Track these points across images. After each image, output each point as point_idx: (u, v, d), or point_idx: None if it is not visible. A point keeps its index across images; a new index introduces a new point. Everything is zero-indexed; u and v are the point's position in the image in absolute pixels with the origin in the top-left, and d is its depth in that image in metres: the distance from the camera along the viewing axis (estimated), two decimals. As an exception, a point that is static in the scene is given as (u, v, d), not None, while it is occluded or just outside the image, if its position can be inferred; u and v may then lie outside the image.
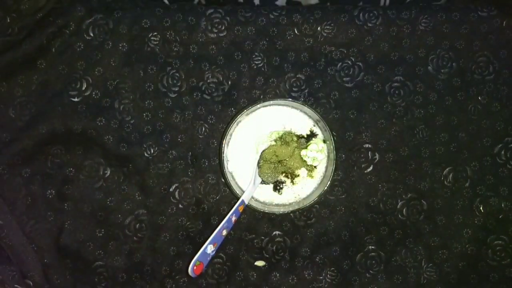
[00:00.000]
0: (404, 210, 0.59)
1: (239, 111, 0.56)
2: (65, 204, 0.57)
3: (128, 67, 0.58)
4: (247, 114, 0.57)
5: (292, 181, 0.58)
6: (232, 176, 0.58)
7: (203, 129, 0.59)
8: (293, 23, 0.58)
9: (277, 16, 0.58)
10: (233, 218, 0.55)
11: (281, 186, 0.57)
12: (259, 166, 0.57)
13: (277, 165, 0.57)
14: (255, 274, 0.58)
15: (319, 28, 0.58)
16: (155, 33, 0.58)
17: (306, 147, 0.58)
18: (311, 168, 0.58)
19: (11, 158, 0.56)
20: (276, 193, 0.58)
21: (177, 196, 0.58)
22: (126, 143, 0.58)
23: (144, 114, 0.58)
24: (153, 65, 0.58)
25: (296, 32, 0.58)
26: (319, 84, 0.59)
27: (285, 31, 0.58)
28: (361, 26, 0.58)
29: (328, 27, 0.58)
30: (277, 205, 0.58)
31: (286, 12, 0.58)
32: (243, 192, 0.56)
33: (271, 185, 0.58)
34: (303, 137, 0.58)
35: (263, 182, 0.57)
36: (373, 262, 0.59)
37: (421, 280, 0.59)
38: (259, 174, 0.57)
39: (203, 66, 0.59)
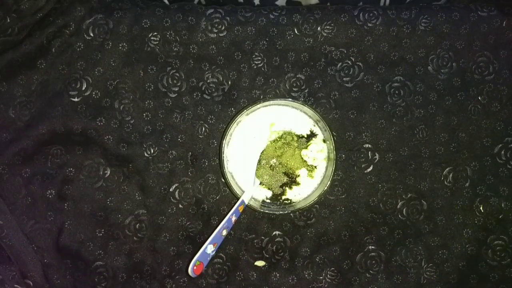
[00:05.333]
0: (404, 210, 0.59)
1: (239, 111, 0.56)
2: (65, 204, 0.57)
3: (128, 67, 0.58)
4: (247, 114, 0.57)
5: (290, 187, 0.58)
6: (232, 176, 0.58)
7: (203, 129, 0.59)
8: (293, 23, 0.58)
9: (277, 16, 0.58)
10: (233, 218, 0.55)
11: (281, 200, 0.57)
12: (256, 169, 0.57)
13: (277, 167, 0.57)
14: (255, 274, 0.58)
15: (319, 28, 0.58)
16: (155, 33, 0.58)
17: (306, 147, 0.58)
18: (311, 168, 0.58)
19: (11, 158, 0.56)
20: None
21: (177, 196, 0.58)
22: (126, 143, 0.58)
23: (144, 114, 0.58)
24: (153, 65, 0.58)
25: (296, 32, 0.58)
26: (319, 84, 0.59)
27: (285, 31, 0.58)
28: (361, 26, 0.58)
29: (328, 27, 0.58)
30: (277, 205, 0.58)
31: (286, 12, 0.58)
32: (243, 192, 0.56)
33: (271, 187, 0.58)
34: (303, 137, 0.58)
35: (262, 183, 0.58)
36: (373, 262, 0.59)
37: (421, 280, 0.59)
38: (256, 176, 0.57)
39: (203, 66, 0.59)
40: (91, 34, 0.57)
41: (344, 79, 0.59)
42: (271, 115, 0.58)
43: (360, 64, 0.59)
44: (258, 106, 0.57)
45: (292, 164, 0.57)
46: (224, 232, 0.54)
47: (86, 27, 0.57)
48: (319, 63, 0.59)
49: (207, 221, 0.59)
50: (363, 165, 0.59)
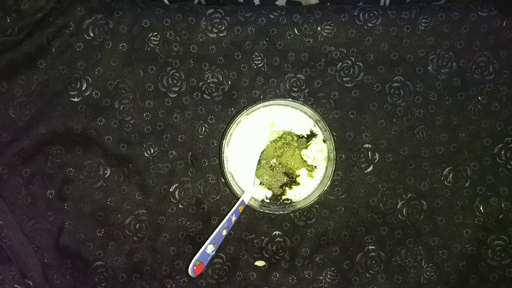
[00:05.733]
0: (404, 210, 0.59)
1: (239, 111, 0.56)
2: (65, 204, 0.57)
3: (128, 67, 0.58)
4: (247, 114, 0.57)
5: (290, 187, 0.58)
6: (232, 176, 0.58)
7: (203, 129, 0.59)
8: (293, 23, 0.58)
9: (277, 16, 0.58)
10: (233, 218, 0.55)
11: (281, 200, 0.57)
12: (256, 169, 0.57)
13: (277, 167, 0.57)
14: (255, 274, 0.58)
15: (319, 28, 0.58)
16: (155, 33, 0.58)
17: (306, 147, 0.58)
18: (311, 168, 0.58)
19: (11, 158, 0.56)
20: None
21: (177, 196, 0.58)
22: (126, 143, 0.58)
23: (144, 114, 0.58)
24: (153, 65, 0.58)
25: (296, 32, 0.58)
26: (319, 84, 0.59)
27: (285, 31, 0.58)
28: (361, 26, 0.58)
29: (328, 27, 0.58)
30: (277, 205, 0.58)
31: (286, 12, 0.58)
32: (243, 192, 0.56)
33: (271, 187, 0.58)
34: (303, 137, 0.58)
35: (262, 183, 0.58)
36: (373, 262, 0.59)
37: (421, 280, 0.59)
38: (256, 176, 0.57)
39: (203, 66, 0.59)
40: (91, 34, 0.57)
41: (344, 79, 0.59)
42: (271, 115, 0.58)
43: (360, 64, 0.59)
44: (258, 106, 0.57)
45: (292, 164, 0.57)
46: (224, 232, 0.54)
47: (86, 27, 0.57)
48: (319, 63, 0.59)
49: (207, 221, 0.59)
50: (363, 165, 0.59)
